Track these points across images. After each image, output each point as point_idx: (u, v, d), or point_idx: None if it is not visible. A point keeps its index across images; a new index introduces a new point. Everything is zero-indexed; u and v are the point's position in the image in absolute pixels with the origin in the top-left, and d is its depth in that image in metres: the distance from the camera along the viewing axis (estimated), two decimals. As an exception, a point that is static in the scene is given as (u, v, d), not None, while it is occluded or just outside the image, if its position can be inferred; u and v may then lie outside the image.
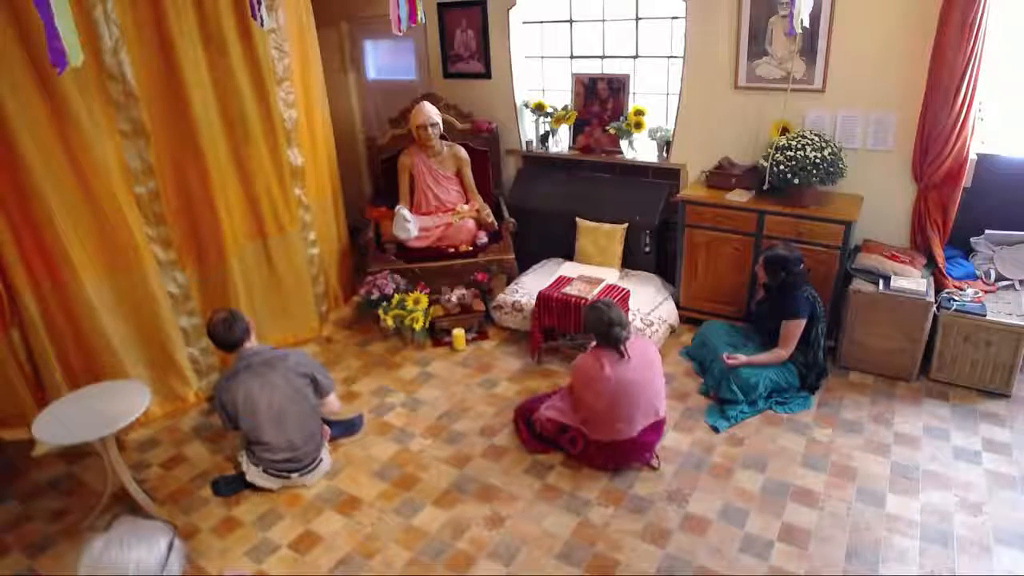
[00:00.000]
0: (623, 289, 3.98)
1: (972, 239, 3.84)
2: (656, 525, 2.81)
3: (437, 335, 4.35)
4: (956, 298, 3.54)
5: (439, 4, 5.03)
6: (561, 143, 5.04)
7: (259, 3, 3.30)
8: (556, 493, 3.01)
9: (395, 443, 3.41)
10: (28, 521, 3.01)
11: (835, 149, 3.68)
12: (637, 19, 4.58)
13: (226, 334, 3.02)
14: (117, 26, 3.10)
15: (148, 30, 3.26)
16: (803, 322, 3.48)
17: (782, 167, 3.67)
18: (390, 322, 4.18)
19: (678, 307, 4.35)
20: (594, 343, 3.14)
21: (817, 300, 3.54)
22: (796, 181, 3.65)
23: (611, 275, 4.38)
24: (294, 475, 3.08)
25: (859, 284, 3.67)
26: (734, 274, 4.05)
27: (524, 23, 4.97)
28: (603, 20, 4.73)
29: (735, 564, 2.60)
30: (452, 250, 4.53)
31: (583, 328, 3.40)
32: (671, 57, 4.54)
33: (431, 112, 4.54)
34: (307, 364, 3.14)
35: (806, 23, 3.38)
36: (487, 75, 5.08)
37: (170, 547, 1.66)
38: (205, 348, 3.76)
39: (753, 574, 2.56)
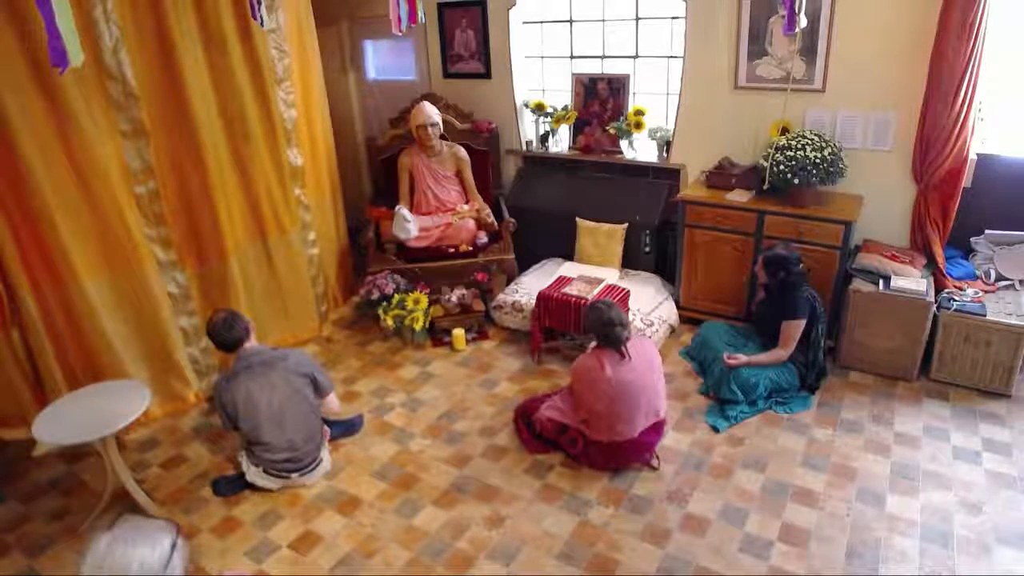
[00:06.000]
0: (623, 289, 3.98)
1: (972, 239, 3.84)
2: (656, 525, 2.81)
3: (437, 335, 4.35)
4: (956, 298, 3.54)
5: (439, 4, 5.03)
6: (561, 143, 5.04)
7: (259, 3, 3.30)
8: (556, 493, 3.01)
9: (395, 443, 3.41)
10: (28, 521, 3.01)
11: (835, 149, 3.68)
12: (637, 19, 4.58)
13: (226, 334, 3.03)
14: (117, 26, 3.09)
15: (148, 30, 3.26)
16: (803, 322, 3.48)
17: (782, 167, 3.67)
18: (390, 322, 4.18)
19: (678, 307, 4.35)
20: (594, 343, 3.14)
21: (817, 300, 3.54)
22: (796, 181, 3.65)
23: (611, 275, 4.38)
24: (294, 475, 3.08)
25: (859, 284, 3.67)
26: (734, 274, 4.05)
27: (524, 23, 4.96)
28: (603, 20, 4.73)
29: (735, 564, 2.60)
30: (452, 250, 4.53)
31: (584, 328, 3.40)
32: (671, 57, 4.54)
33: (431, 112, 4.53)
34: (307, 364, 3.14)
35: (804, 23, 3.38)
36: (487, 75, 5.08)
37: (173, 546, 1.67)
38: (205, 348, 3.76)
39: (753, 574, 2.56)
